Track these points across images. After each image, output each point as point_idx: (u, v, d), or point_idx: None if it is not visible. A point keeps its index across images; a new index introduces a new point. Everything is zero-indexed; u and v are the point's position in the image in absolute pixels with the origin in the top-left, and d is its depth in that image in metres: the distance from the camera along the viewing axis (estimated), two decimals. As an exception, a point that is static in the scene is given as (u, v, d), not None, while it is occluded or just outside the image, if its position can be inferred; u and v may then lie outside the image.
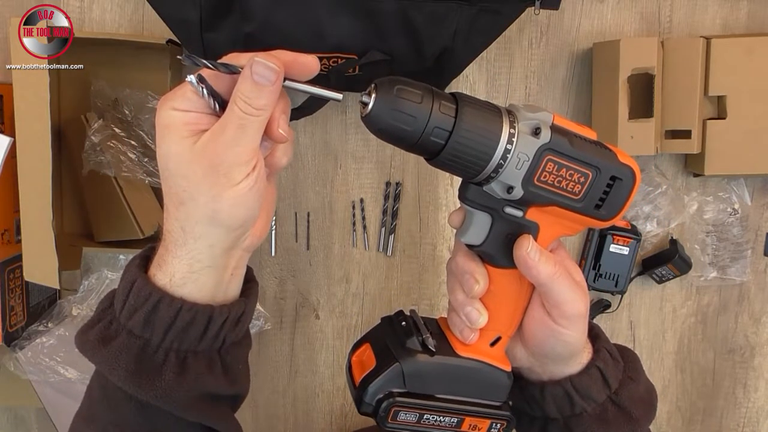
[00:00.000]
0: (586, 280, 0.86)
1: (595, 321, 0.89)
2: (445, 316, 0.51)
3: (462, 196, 0.45)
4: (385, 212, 0.85)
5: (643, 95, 0.78)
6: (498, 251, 0.45)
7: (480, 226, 0.44)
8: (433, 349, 0.46)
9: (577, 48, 0.84)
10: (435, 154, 0.41)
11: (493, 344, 0.48)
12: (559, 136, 0.42)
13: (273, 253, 0.86)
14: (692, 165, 0.85)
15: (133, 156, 0.78)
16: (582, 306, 0.46)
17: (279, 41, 0.68)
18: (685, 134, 0.79)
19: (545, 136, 0.41)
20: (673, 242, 0.87)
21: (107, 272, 0.84)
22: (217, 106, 0.41)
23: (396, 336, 0.48)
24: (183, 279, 0.41)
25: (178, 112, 0.40)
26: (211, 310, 0.42)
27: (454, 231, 0.48)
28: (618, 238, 0.84)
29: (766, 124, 0.79)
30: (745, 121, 0.79)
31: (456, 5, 0.66)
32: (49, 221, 0.70)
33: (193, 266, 0.41)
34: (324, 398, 0.90)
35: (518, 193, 0.42)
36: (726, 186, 0.87)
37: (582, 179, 0.43)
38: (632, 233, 0.84)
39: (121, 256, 0.84)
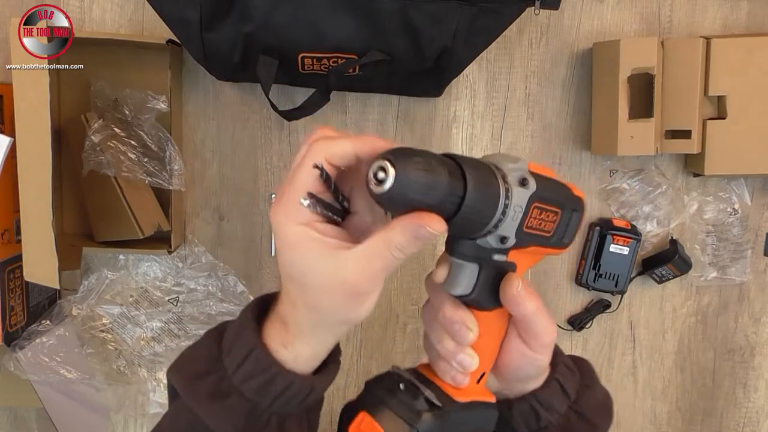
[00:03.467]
0: (586, 280, 0.86)
1: (595, 321, 0.89)
2: (423, 362, 0.51)
3: (453, 251, 0.45)
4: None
5: (643, 95, 0.78)
6: (485, 296, 0.46)
7: (469, 276, 0.45)
8: (439, 404, 0.46)
9: (577, 48, 0.84)
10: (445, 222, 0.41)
11: (478, 381, 0.49)
12: (540, 182, 0.44)
13: (273, 253, 0.86)
14: (692, 165, 0.85)
15: (133, 156, 0.78)
16: (555, 332, 0.49)
17: (279, 41, 0.68)
18: (685, 134, 0.79)
19: (532, 185, 0.43)
20: (673, 242, 0.87)
21: (107, 272, 0.84)
22: (336, 215, 0.42)
23: (398, 400, 0.47)
24: (307, 360, 0.45)
25: (300, 226, 0.40)
26: (313, 382, 0.45)
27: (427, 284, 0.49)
28: (618, 238, 0.84)
29: (766, 124, 0.79)
30: (745, 121, 0.79)
31: (456, 5, 0.66)
32: (49, 221, 0.70)
33: (318, 352, 0.45)
34: (324, 398, 0.90)
35: (512, 242, 0.44)
36: (726, 186, 0.87)
37: (554, 218, 0.46)
38: (632, 233, 0.84)
39: (121, 256, 0.84)
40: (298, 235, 0.40)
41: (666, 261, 0.85)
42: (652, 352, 0.91)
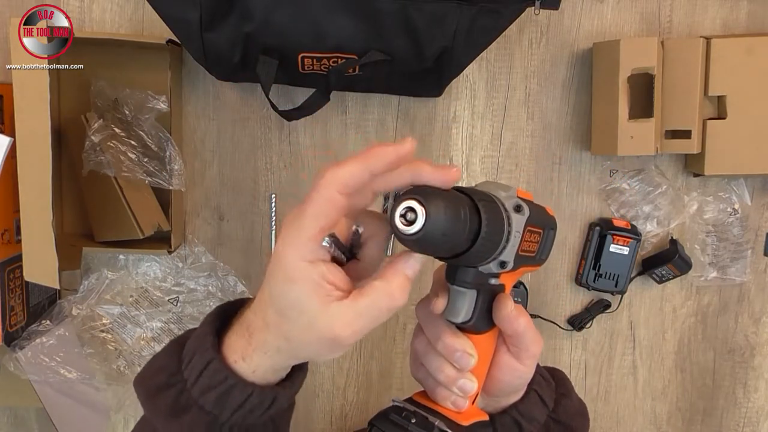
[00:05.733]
0: (586, 280, 0.86)
1: (595, 321, 0.89)
2: (418, 393, 0.51)
3: (455, 279, 0.46)
4: (385, 212, 0.85)
5: (643, 95, 0.78)
6: (482, 320, 0.47)
7: (469, 302, 0.46)
8: None
9: (577, 48, 0.84)
10: (458, 255, 0.41)
11: (473, 402, 0.50)
12: (531, 207, 0.45)
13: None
14: (692, 165, 0.85)
15: (133, 156, 0.78)
16: (542, 341, 0.50)
17: (279, 41, 0.68)
18: (685, 134, 0.79)
19: (526, 210, 0.44)
20: (673, 242, 0.87)
21: (107, 272, 0.84)
22: (345, 255, 0.42)
23: None
24: (265, 372, 0.44)
25: (305, 263, 0.39)
26: (276, 392, 0.45)
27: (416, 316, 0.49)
28: (618, 238, 0.84)
29: (766, 124, 0.79)
30: (745, 121, 0.79)
31: (456, 5, 0.66)
32: (49, 221, 0.70)
33: (278, 368, 0.45)
34: (324, 398, 0.90)
35: (510, 266, 0.45)
36: (726, 186, 0.87)
37: (539, 239, 0.48)
38: (632, 233, 0.84)
39: (121, 256, 0.84)
40: (301, 272, 0.39)
41: (666, 261, 0.85)
42: (652, 352, 0.91)
